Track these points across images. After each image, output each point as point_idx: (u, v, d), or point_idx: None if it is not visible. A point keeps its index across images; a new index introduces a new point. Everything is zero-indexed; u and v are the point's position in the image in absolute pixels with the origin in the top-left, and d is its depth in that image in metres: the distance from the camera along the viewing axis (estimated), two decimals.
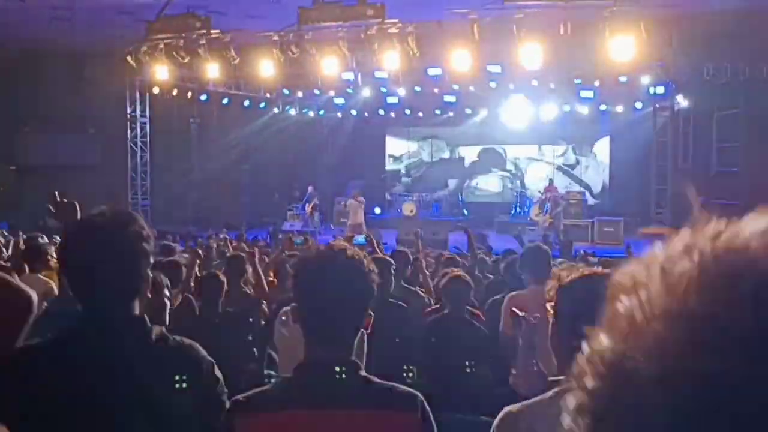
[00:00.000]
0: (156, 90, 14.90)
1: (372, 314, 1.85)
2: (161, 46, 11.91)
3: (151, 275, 1.89)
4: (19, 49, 14.90)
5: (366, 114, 20.81)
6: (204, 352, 1.92)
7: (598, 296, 0.55)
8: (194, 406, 1.83)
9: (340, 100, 19.14)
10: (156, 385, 1.81)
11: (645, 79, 14.69)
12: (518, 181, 21.18)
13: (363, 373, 1.81)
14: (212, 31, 11.62)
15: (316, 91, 17.20)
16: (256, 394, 1.84)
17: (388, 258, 4.83)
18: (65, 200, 2.70)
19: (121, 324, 1.83)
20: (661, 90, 15.24)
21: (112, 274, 1.80)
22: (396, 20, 11.14)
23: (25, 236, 7.64)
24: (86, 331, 1.83)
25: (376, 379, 1.81)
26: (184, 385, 1.83)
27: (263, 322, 4.65)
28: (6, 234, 9.62)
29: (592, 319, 0.53)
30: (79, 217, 2.61)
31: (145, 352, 1.81)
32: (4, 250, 6.59)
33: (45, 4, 11.57)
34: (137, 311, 1.86)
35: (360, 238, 12.54)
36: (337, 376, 1.76)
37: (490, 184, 21.96)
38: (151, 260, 1.89)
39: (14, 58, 15.30)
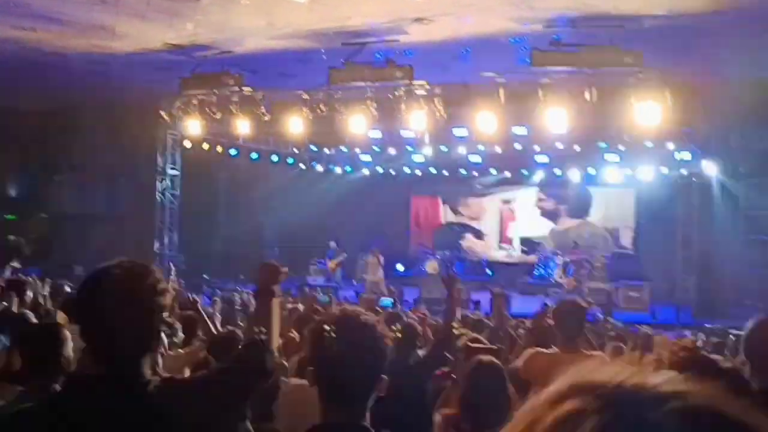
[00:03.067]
0: (187, 144, 15.23)
1: (387, 378, 1.88)
2: (194, 101, 12.24)
3: (164, 329, 1.89)
4: (56, 99, 15.42)
5: (392, 172, 21.00)
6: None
7: None
8: None
9: (366, 158, 19.38)
10: None
11: (671, 145, 14.70)
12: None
13: None
14: (245, 89, 11.93)
15: (343, 149, 17.45)
16: None
17: (415, 324, 4.77)
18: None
19: (129, 381, 1.80)
20: (687, 156, 15.22)
21: (124, 329, 1.77)
22: (423, 82, 11.37)
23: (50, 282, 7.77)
24: (94, 387, 1.81)
25: None
26: None
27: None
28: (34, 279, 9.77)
29: None
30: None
31: (145, 410, 1.78)
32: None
33: (84, 57, 12.02)
34: (147, 367, 1.85)
35: (386, 300, 12.53)
36: None
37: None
38: (166, 314, 1.89)
39: (51, 108, 15.82)
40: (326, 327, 1.88)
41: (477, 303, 14.08)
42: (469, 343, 3.75)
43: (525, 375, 4.02)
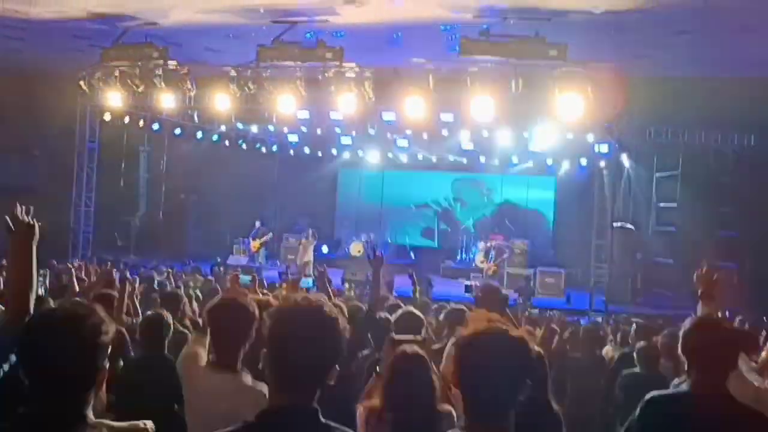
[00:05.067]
0: (107, 116, 14.70)
1: (338, 368, 1.93)
2: (116, 73, 11.81)
3: (106, 366, 1.93)
4: None
5: (319, 153, 20.92)
6: None
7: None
8: None
9: (293, 138, 19.20)
10: None
11: (590, 137, 15.20)
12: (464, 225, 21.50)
13: (323, 420, 1.89)
14: (169, 62, 11.60)
15: (271, 128, 17.23)
16: None
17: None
18: (26, 219, 2.68)
19: (69, 420, 1.86)
20: (605, 149, 15.78)
21: (67, 370, 1.84)
22: (353, 64, 11.33)
23: None
24: (35, 426, 1.86)
25: (334, 424, 1.90)
26: None
27: None
28: None
29: None
30: (34, 238, 2.60)
31: None
32: None
33: (1, 23, 11.42)
34: (88, 406, 1.90)
35: (308, 281, 12.50)
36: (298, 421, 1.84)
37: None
38: (107, 352, 1.93)
39: None
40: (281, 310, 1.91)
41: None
42: (394, 335, 3.79)
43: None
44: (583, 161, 18.10)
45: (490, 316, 1.99)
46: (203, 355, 3.10)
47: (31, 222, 2.70)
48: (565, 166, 19.25)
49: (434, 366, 3.26)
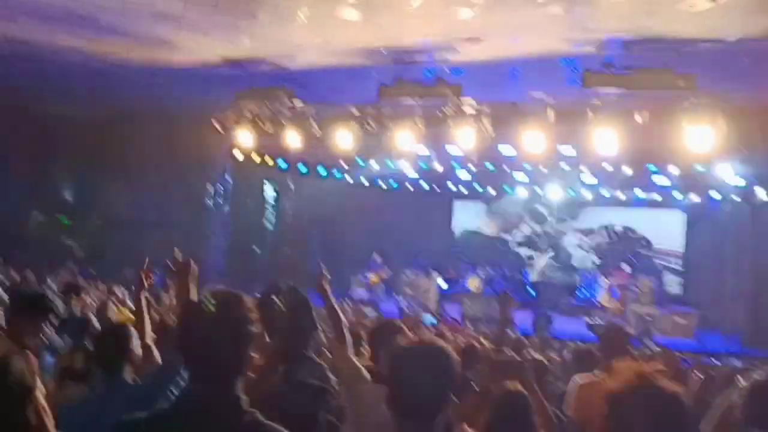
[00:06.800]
0: (239, 155, 15.57)
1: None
2: (247, 114, 12.52)
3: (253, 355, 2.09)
4: (114, 109, 15.94)
5: (437, 188, 21.07)
6: None
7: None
8: None
9: (413, 174, 19.49)
10: None
11: (723, 169, 14.43)
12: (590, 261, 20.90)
13: None
14: (296, 102, 12.17)
15: (390, 164, 17.59)
16: None
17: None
18: (181, 259, 3.00)
19: (225, 402, 1.99)
20: (740, 181, 14.92)
21: (221, 355, 1.99)
22: (471, 99, 11.41)
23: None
24: (195, 405, 2.00)
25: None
26: None
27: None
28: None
29: None
30: (192, 274, 2.91)
31: (240, 429, 1.98)
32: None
33: (144, 69, 12.45)
34: (239, 390, 2.03)
35: (430, 318, 12.57)
36: None
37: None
38: (254, 340, 2.08)
39: (110, 117, 16.35)
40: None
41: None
42: (492, 356, 3.83)
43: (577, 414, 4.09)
44: (716, 195, 17.15)
45: (639, 367, 1.94)
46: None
47: (187, 260, 3.02)
48: (695, 199, 18.29)
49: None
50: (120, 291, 10.18)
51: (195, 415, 1.96)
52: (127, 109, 15.82)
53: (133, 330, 3.42)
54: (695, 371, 6.49)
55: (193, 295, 2.94)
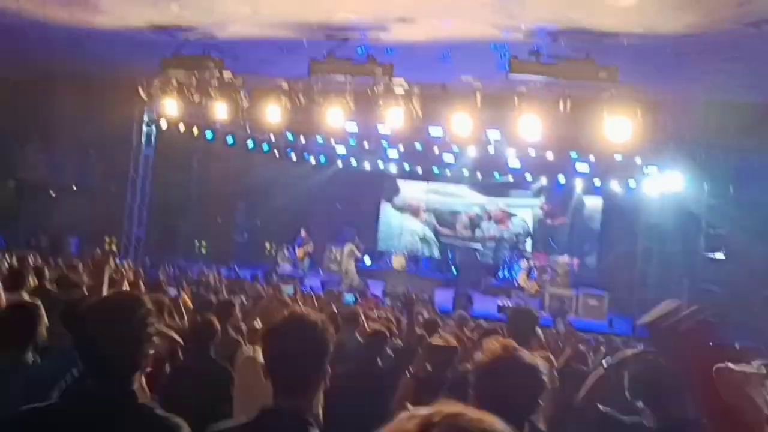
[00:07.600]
0: (164, 123, 15.19)
1: (330, 371, 2.13)
2: (174, 82, 12.21)
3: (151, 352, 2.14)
4: (32, 69, 15.23)
5: (366, 166, 21.15)
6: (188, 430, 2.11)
7: None
8: None
9: (341, 150, 19.47)
10: None
11: (639, 159, 15.04)
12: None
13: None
14: (225, 73, 11.94)
15: (319, 139, 17.51)
16: None
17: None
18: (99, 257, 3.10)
19: (118, 396, 2.03)
20: (654, 171, 15.59)
21: (117, 352, 2.03)
22: (402, 80, 11.47)
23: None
24: (88, 400, 2.03)
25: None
26: None
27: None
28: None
29: None
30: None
31: (133, 422, 2.02)
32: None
33: (64, 30, 11.93)
34: (134, 385, 2.08)
35: (349, 297, 12.67)
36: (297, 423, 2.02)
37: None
38: (154, 340, 2.15)
39: (26, 77, 15.62)
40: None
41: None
42: (432, 342, 3.96)
43: None
44: (632, 183, 17.89)
45: (507, 343, 2.17)
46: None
47: (107, 253, 3.15)
48: (614, 187, 19.02)
49: None
50: (32, 260, 9.80)
51: (88, 410, 1.98)
52: (46, 70, 15.15)
53: (42, 311, 3.33)
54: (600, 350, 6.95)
55: (104, 289, 3.03)
